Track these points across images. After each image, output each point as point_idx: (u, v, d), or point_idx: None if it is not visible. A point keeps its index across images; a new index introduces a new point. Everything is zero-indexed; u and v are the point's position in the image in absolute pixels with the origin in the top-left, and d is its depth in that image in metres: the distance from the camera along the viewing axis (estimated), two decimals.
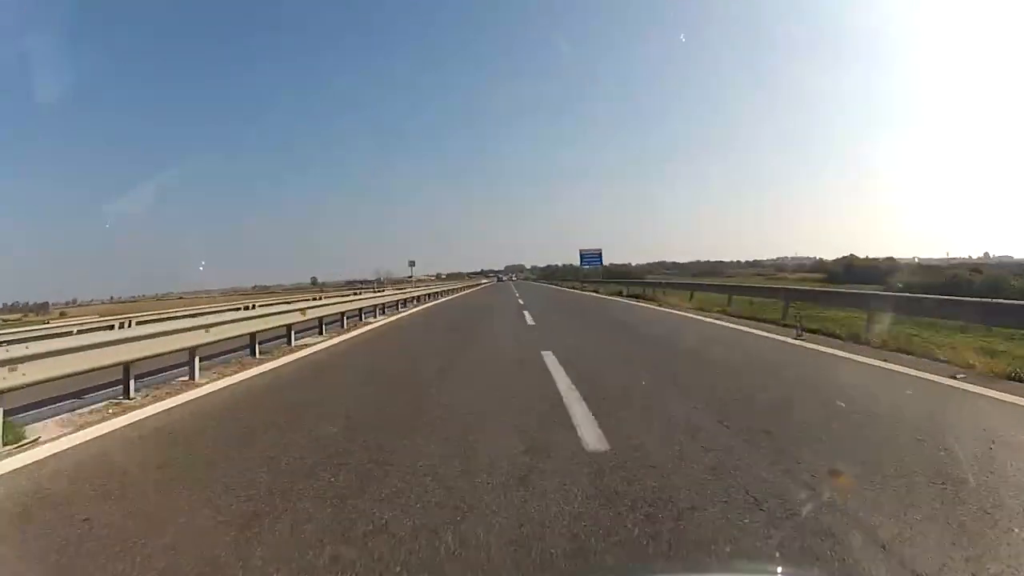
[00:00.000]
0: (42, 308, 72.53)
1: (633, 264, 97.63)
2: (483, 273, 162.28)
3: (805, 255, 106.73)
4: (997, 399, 4.43)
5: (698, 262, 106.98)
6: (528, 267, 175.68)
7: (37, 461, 3.70)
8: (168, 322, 7.77)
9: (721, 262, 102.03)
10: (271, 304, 12.06)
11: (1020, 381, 5.09)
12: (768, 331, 9.35)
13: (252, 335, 8.48)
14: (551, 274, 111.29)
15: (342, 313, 13.05)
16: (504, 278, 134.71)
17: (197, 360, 7.05)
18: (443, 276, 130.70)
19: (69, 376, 5.22)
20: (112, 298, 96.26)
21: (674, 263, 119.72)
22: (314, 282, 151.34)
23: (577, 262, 45.55)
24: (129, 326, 12.25)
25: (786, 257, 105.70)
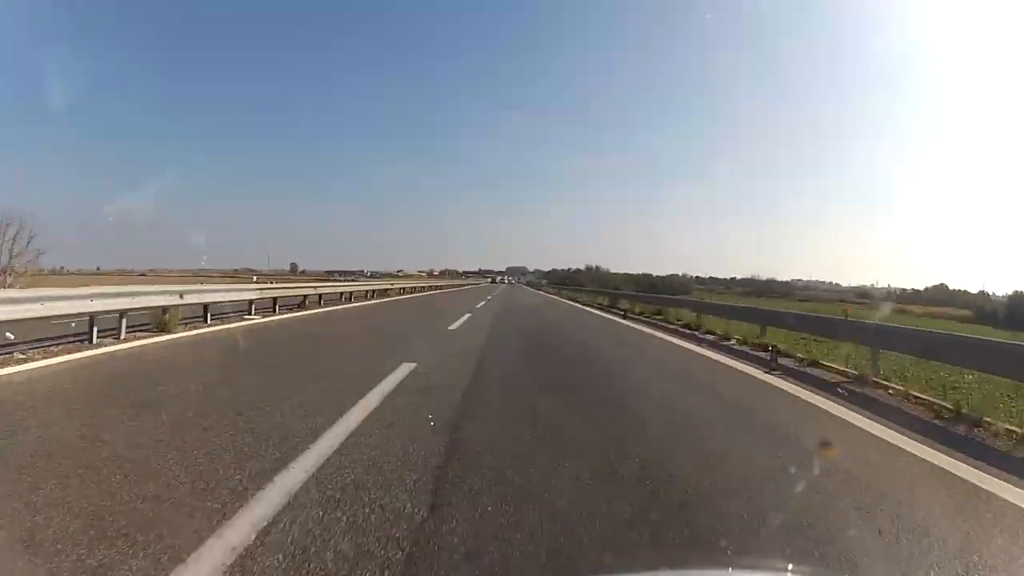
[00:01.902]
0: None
1: (655, 274, 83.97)
2: (480, 273, 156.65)
3: (817, 279, 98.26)
4: None
5: (755, 280, 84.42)
6: (531, 269, 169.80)
7: None
8: None
9: (775, 281, 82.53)
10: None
11: None
12: None
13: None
14: (566, 280, 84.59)
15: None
16: (499, 280, 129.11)
17: None
18: (435, 273, 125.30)
19: None
20: (98, 268, 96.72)
21: (712, 278, 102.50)
22: (293, 269, 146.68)
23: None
24: None
25: (804, 280, 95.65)
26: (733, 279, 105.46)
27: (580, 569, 1.97)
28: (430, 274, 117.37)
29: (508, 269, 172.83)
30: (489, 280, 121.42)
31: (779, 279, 78.09)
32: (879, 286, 77.52)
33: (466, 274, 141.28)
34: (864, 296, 65.58)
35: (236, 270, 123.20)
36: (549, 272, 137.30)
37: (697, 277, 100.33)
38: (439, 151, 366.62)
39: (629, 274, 74.10)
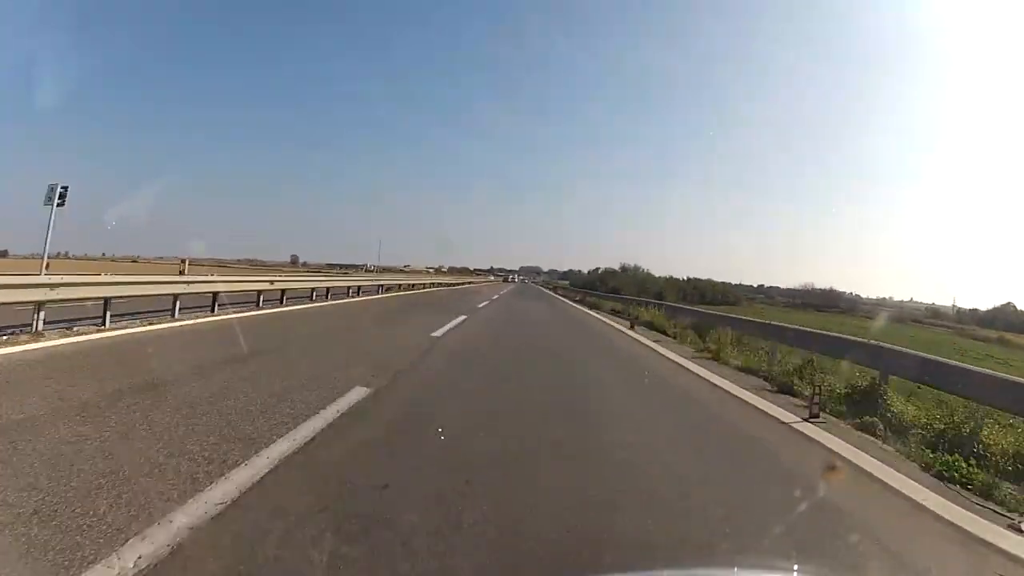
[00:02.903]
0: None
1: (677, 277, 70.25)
2: (492, 271, 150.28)
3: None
4: None
5: (811, 290, 68.99)
6: (545, 270, 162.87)
7: None
8: None
9: (835, 291, 66.79)
10: None
11: None
12: None
13: None
14: (594, 282, 63.01)
15: None
16: (511, 278, 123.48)
17: None
18: (444, 269, 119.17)
19: None
20: (103, 255, 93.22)
21: (740, 284, 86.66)
22: (293, 261, 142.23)
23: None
24: None
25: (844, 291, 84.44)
26: (761, 286, 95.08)
27: (579, 569, 1.99)
28: (438, 271, 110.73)
29: (521, 269, 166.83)
30: (501, 279, 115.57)
31: (837, 291, 67.54)
32: (950, 305, 68.54)
33: (477, 271, 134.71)
34: (936, 316, 57.28)
35: (239, 260, 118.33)
36: (566, 273, 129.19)
37: (723, 283, 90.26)
38: (449, 148, 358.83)
39: (672, 278, 59.42)
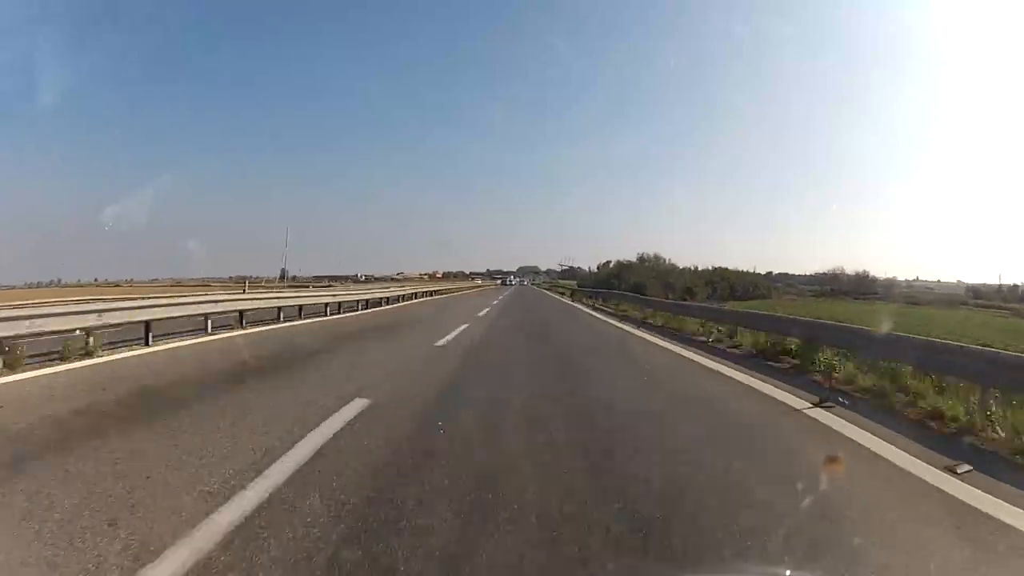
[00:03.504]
0: None
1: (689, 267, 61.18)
2: (489, 274, 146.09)
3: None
4: None
5: (840, 274, 61.57)
6: (543, 269, 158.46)
7: None
8: None
9: (868, 276, 60.34)
10: None
11: None
12: None
13: None
14: (610, 279, 54.62)
15: None
16: (509, 280, 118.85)
17: None
18: (438, 275, 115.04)
19: None
20: (96, 280, 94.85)
21: (754, 272, 74.23)
22: (282, 276, 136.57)
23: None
24: None
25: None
26: (769, 273, 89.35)
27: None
28: (432, 276, 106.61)
29: (519, 269, 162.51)
30: (499, 282, 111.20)
31: (871, 275, 61.53)
32: (955, 281, 64.62)
33: (473, 275, 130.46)
34: (979, 296, 53.04)
35: (232, 277, 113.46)
36: (566, 271, 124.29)
37: (752, 273, 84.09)
38: (446, 145, 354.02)
39: (699, 270, 52.60)
